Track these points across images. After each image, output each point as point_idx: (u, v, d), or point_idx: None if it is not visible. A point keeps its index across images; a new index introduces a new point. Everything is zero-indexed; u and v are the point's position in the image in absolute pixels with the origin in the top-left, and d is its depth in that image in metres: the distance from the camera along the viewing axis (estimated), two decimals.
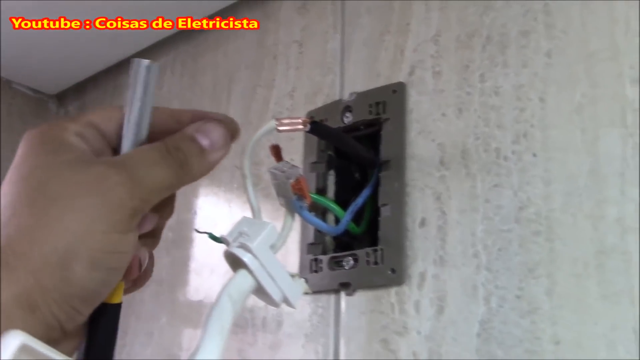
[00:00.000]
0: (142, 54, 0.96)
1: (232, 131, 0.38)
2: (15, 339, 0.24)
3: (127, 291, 0.36)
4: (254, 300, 0.69)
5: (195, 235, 0.81)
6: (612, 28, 0.51)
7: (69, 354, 0.33)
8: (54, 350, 0.25)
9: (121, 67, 1.01)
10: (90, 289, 0.29)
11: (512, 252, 0.52)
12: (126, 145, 0.35)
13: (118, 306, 0.35)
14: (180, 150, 0.34)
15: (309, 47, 0.74)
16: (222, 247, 0.49)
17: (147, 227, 0.35)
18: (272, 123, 0.51)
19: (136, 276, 0.36)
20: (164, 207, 0.37)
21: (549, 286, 0.49)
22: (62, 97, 1.11)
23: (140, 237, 0.34)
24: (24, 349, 0.24)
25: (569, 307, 0.48)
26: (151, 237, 0.37)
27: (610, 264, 0.47)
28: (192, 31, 0.90)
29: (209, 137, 0.36)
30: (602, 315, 0.46)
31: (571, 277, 0.48)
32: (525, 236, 0.51)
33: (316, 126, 0.54)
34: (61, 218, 0.28)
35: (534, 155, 0.52)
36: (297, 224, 0.67)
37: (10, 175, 0.31)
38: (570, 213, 0.49)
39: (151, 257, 0.38)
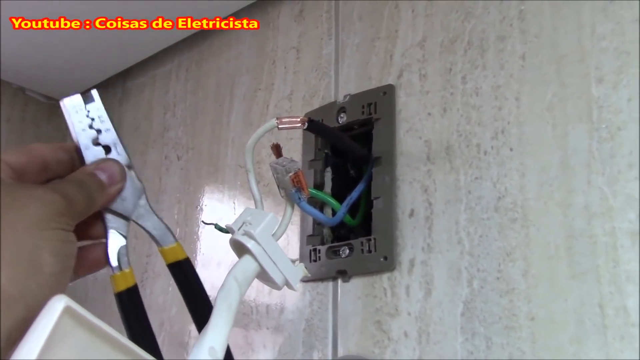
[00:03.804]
0: (148, 61, 1.02)
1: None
2: (60, 302, 0.29)
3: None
4: (258, 289, 0.74)
5: (202, 230, 0.86)
6: (580, 32, 0.56)
7: None
8: (92, 314, 0.30)
9: (129, 74, 1.06)
10: (57, 272, 0.35)
11: (491, 238, 0.57)
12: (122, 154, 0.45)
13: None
14: (85, 184, 0.41)
15: (306, 52, 0.79)
16: (227, 242, 0.54)
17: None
18: (273, 122, 0.56)
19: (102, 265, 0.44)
20: (94, 224, 0.44)
21: (524, 268, 0.54)
22: None
23: None
24: (67, 311, 0.29)
25: (543, 287, 0.53)
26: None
27: (578, 246, 0.52)
28: (195, 38, 0.95)
29: (106, 172, 0.43)
30: (571, 293, 0.51)
31: (544, 260, 0.53)
32: (504, 223, 0.56)
33: (313, 124, 0.58)
34: (20, 220, 0.34)
35: (511, 149, 0.57)
36: (297, 217, 0.72)
37: None
38: (543, 202, 0.54)
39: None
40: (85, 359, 0.30)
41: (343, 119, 0.71)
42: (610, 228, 0.50)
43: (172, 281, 0.87)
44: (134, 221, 0.46)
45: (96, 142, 0.44)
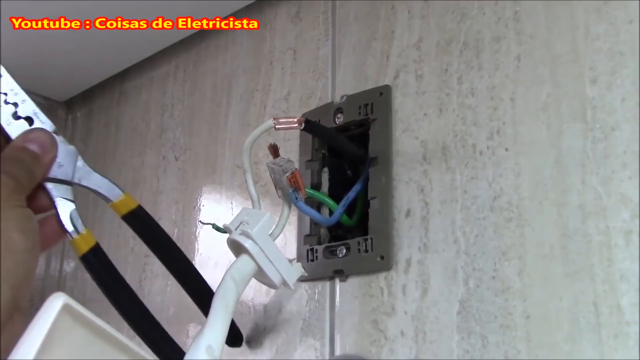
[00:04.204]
0: (146, 62, 1.02)
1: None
2: (59, 300, 0.29)
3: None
4: (255, 289, 0.75)
5: (200, 230, 0.86)
6: (574, 33, 0.56)
7: None
8: (90, 312, 0.31)
9: (126, 75, 1.06)
10: (29, 248, 0.36)
11: (487, 238, 0.57)
12: None
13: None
14: (19, 159, 0.41)
15: (303, 53, 0.79)
16: (225, 243, 0.55)
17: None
18: (270, 122, 0.57)
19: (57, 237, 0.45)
20: (37, 197, 0.44)
21: (520, 267, 0.55)
22: (71, 103, 1.16)
23: None
24: (65, 309, 0.30)
25: (538, 285, 0.53)
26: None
27: (573, 246, 0.52)
28: (192, 40, 0.96)
29: (36, 142, 0.43)
30: (566, 291, 0.52)
31: (539, 259, 0.54)
32: (499, 223, 0.57)
33: (310, 125, 0.59)
34: None
35: (506, 149, 0.58)
36: (294, 217, 0.72)
37: None
38: (538, 201, 0.55)
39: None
40: (84, 358, 0.30)
41: (340, 119, 0.71)
42: (605, 227, 0.51)
43: (169, 281, 0.87)
44: (76, 184, 0.45)
45: (16, 116, 0.43)
